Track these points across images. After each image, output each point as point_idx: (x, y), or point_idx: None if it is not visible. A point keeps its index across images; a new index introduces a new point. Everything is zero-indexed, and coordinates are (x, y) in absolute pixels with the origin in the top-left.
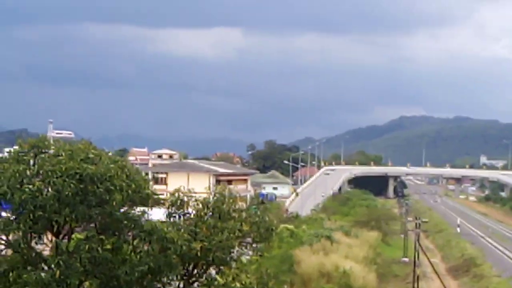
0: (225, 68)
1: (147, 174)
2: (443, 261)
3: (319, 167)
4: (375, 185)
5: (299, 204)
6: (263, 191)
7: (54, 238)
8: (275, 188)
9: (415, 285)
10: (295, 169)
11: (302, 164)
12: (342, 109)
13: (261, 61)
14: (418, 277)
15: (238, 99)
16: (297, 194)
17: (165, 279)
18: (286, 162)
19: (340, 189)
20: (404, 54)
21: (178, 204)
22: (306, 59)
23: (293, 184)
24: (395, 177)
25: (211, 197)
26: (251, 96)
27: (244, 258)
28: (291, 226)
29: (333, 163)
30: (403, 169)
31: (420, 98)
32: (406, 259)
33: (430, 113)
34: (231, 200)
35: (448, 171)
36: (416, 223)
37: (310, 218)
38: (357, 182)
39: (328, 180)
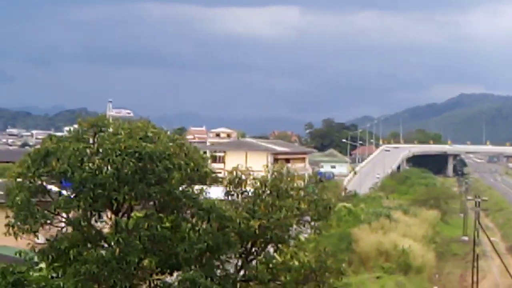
0: (283, 47)
1: (205, 152)
2: (503, 240)
3: (377, 146)
4: (434, 163)
5: (357, 182)
6: (321, 170)
7: (113, 216)
8: (333, 167)
9: (475, 264)
10: (353, 147)
11: (360, 142)
12: (401, 87)
13: (319, 39)
14: (477, 256)
15: (296, 78)
16: (355, 173)
17: (223, 257)
18: (344, 140)
19: (399, 167)
20: (464, 31)
21: (236, 182)
22: (365, 37)
23: (351, 163)
24: (455, 156)
25: (269, 175)
26: (309, 75)
27: (302, 237)
28: (349, 205)
29: (392, 141)
30: (463, 147)
31: (480, 75)
32: (465, 238)
33: (490, 91)
34: (289, 179)
35: (508, 149)
36: (475, 202)
37: (369, 196)
38: (416, 160)
39: (387, 158)
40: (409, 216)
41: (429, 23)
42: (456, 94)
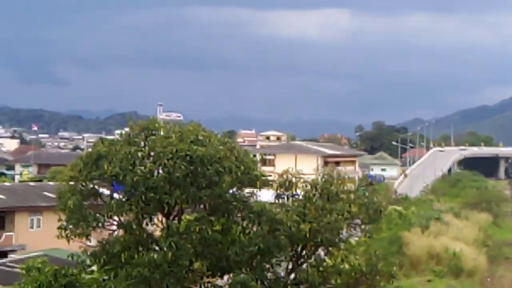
0: (333, 49)
1: (255, 156)
2: None
3: (428, 148)
4: (485, 166)
5: (408, 185)
6: (371, 173)
7: (164, 219)
8: (383, 170)
9: None
10: (404, 150)
11: (411, 145)
12: (452, 89)
13: (369, 41)
14: None
15: (346, 81)
16: (405, 176)
17: (274, 260)
18: (394, 143)
19: (449, 170)
20: None
21: (287, 185)
22: (416, 39)
23: (401, 166)
24: (507, 158)
25: (319, 178)
26: (359, 77)
27: (353, 240)
28: (399, 208)
29: (443, 144)
30: None
31: None
32: None
33: None
34: (339, 182)
35: None
36: None
37: (419, 199)
38: (467, 163)
39: (438, 161)
40: (460, 219)
41: (481, 24)
42: (508, 96)
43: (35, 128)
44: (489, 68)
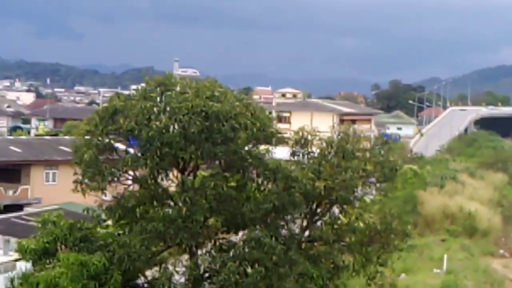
0: (352, 7)
1: (271, 112)
2: None
3: (444, 108)
4: (502, 126)
5: (424, 144)
6: (387, 131)
7: (179, 175)
8: (399, 128)
9: None
10: (420, 109)
11: (428, 104)
12: (469, 49)
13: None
14: None
15: (364, 39)
16: (421, 135)
17: (288, 217)
18: (411, 102)
19: (466, 130)
20: None
21: (302, 142)
22: None
23: (417, 125)
24: None
25: (335, 136)
26: (376, 35)
27: (368, 198)
28: (415, 167)
29: (460, 103)
30: None
31: None
32: None
33: None
34: (355, 140)
35: None
36: None
37: (435, 159)
38: (484, 123)
39: (454, 120)
40: (475, 179)
41: None
42: None
43: (49, 82)
44: (508, 28)
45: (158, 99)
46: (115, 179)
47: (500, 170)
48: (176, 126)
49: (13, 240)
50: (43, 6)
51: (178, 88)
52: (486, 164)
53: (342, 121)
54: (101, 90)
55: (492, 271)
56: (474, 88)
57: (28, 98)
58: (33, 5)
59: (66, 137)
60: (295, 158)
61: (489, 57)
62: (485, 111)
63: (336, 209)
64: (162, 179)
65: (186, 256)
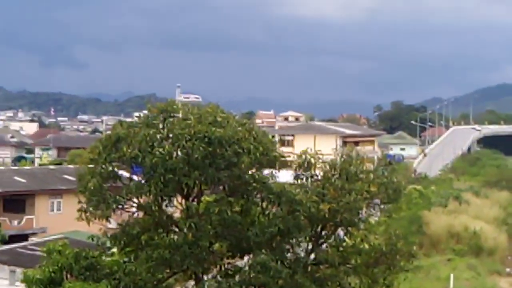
0: (354, 29)
1: (273, 136)
2: None
3: (447, 127)
4: (505, 144)
5: (427, 164)
6: (391, 152)
7: (184, 201)
8: (402, 149)
9: None
10: (423, 129)
11: (430, 124)
12: (471, 67)
13: (389, 21)
14: None
15: (365, 61)
16: (425, 155)
17: (293, 241)
18: (413, 122)
19: (469, 149)
20: None
21: (305, 166)
22: (436, 18)
23: (420, 145)
24: None
25: (338, 158)
26: (378, 57)
27: (372, 220)
28: (419, 187)
29: (462, 123)
30: None
31: None
32: None
33: None
34: (358, 161)
35: None
36: None
37: (439, 178)
38: (486, 141)
39: (457, 140)
40: (480, 198)
41: (503, 2)
42: None
43: (53, 112)
44: (509, 46)
45: (161, 126)
46: (120, 206)
47: (505, 189)
48: (179, 152)
49: (18, 270)
50: (46, 36)
51: (180, 115)
52: (490, 183)
53: (345, 143)
54: (104, 118)
55: None
56: (476, 107)
57: (31, 128)
58: (36, 35)
59: (70, 166)
60: (299, 181)
61: (490, 76)
62: (487, 130)
63: (341, 232)
64: (166, 206)
65: (192, 282)
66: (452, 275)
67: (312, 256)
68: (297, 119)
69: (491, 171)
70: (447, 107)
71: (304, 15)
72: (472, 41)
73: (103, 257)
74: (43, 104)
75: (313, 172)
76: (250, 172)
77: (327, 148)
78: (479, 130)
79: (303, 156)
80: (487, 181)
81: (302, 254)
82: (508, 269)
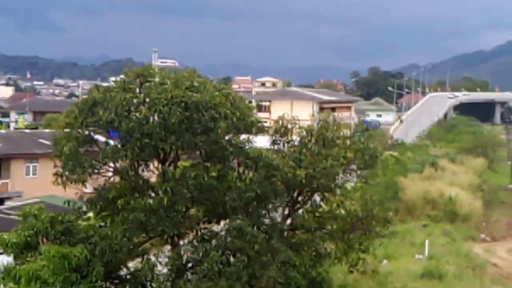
0: None
1: (250, 102)
2: None
3: (424, 94)
4: (481, 111)
5: (404, 131)
6: (367, 118)
7: (160, 166)
8: (379, 115)
9: None
10: (400, 96)
11: (407, 91)
12: (447, 34)
13: None
14: None
15: (342, 27)
16: (401, 121)
17: (270, 206)
18: (390, 89)
19: (445, 115)
20: None
21: (282, 131)
22: None
23: (397, 111)
24: (502, 103)
25: (315, 124)
26: (355, 23)
27: (349, 185)
28: (395, 153)
29: (438, 89)
30: (511, 95)
31: None
32: None
33: None
34: (335, 128)
35: None
36: None
37: (415, 145)
38: (463, 108)
39: (433, 106)
40: (456, 164)
41: None
42: (504, 40)
43: (29, 76)
44: (485, 13)
45: (138, 90)
46: (96, 171)
47: (480, 155)
48: (156, 117)
49: None
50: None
51: (157, 79)
52: (466, 149)
53: (322, 109)
54: (80, 82)
55: (474, 256)
56: (452, 74)
57: (7, 91)
58: None
59: (46, 130)
60: (276, 147)
61: (467, 42)
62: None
63: (317, 197)
64: (142, 170)
65: (168, 247)
66: (427, 241)
67: (289, 221)
68: (274, 84)
69: (467, 137)
70: (424, 73)
71: None
72: (449, 7)
73: (79, 222)
74: (19, 68)
75: (290, 137)
76: (227, 137)
77: (304, 114)
78: (455, 96)
79: (280, 122)
80: (463, 148)
81: (279, 219)
82: (482, 235)
